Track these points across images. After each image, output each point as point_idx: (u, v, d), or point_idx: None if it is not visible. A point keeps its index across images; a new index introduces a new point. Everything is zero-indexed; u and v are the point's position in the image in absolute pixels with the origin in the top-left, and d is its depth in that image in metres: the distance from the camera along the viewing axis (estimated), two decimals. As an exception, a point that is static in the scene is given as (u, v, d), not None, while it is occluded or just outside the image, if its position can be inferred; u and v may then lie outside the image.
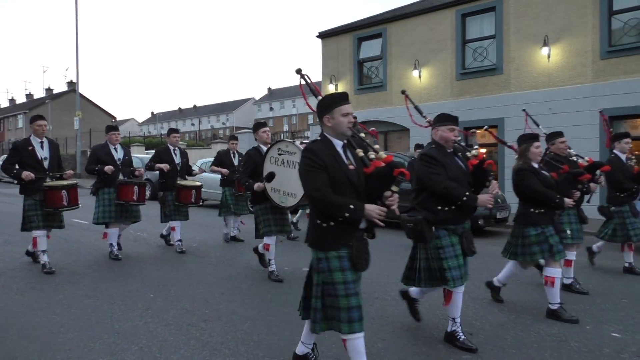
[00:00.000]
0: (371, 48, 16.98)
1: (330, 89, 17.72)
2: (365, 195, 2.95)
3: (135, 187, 6.83)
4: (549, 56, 12.76)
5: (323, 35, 18.24)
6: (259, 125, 6.18)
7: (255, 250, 6.38)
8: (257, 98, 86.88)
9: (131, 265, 6.66)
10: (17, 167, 6.00)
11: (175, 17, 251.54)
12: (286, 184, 5.29)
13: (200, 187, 7.68)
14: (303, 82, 3.82)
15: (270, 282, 5.86)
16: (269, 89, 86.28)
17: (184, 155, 7.70)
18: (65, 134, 36.81)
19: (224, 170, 8.40)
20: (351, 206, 2.75)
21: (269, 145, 5.60)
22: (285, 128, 73.60)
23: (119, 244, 7.31)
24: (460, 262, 3.81)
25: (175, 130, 7.76)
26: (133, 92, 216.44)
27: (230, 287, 5.59)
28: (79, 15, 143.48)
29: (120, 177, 6.86)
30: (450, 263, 3.78)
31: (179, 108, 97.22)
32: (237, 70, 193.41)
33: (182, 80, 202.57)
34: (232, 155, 8.75)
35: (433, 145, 4.02)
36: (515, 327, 4.35)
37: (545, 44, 12.73)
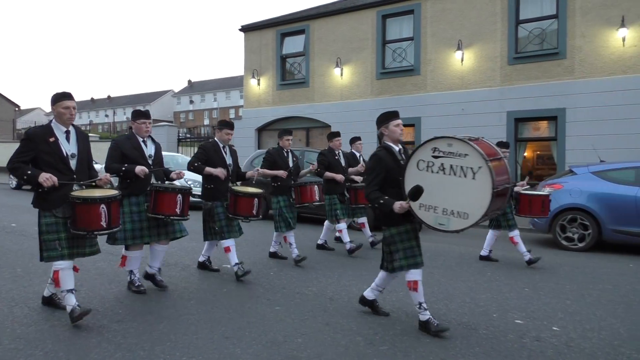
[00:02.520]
0: (294, 44, 17.00)
1: (252, 83, 17.55)
2: None
3: (179, 195, 4.93)
4: (462, 60, 13.43)
5: (246, 29, 18.00)
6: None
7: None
8: (176, 90, 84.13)
9: (36, 265, 6.21)
10: (30, 166, 4.03)
11: (90, 1, 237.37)
12: (451, 200, 3.82)
13: (262, 195, 5.91)
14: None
15: (188, 280, 5.70)
16: (189, 82, 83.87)
17: (234, 154, 6.03)
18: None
19: (281, 173, 6.62)
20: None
21: (417, 145, 4.07)
22: (207, 122, 71.94)
23: (159, 269, 5.42)
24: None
25: (228, 125, 5.90)
26: (40, 80, 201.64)
27: (146, 286, 5.37)
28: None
29: (153, 180, 5.07)
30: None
31: (92, 98, 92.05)
32: (155, 60, 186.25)
33: (95, 69, 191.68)
34: (286, 154, 6.89)
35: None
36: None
37: (459, 48, 13.38)
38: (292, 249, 6.68)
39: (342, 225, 7.50)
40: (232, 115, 62.00)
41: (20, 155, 4.01)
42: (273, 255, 7.06)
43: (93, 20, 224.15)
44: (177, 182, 5.62)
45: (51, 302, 4.52)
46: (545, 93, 12.30)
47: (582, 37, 11.90)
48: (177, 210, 4.93)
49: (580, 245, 8.11)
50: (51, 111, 4.18)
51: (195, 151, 5.74)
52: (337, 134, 7.83)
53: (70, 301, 4.05)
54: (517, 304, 5.04)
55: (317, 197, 6.88)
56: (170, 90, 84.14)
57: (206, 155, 5.75)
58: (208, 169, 5.67)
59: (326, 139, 7.69)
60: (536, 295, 5.44)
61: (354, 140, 8.18)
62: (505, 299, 5.23)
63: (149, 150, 5.09)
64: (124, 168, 4.86)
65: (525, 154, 13.16)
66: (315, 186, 6.91)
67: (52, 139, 4.05)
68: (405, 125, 13.71)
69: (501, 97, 12.88)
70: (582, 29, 11.90)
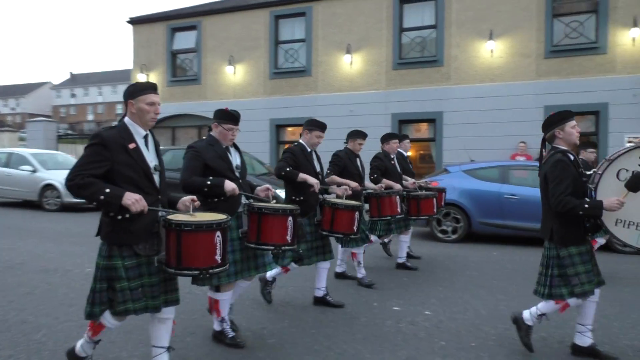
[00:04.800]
0: (186, 40, 16.60)
1: (141, 78, 16.85)
2: None
3: (290, 218, 3.88)
4: (350, 63, 14.03)
5: (135, 22, 17.23)
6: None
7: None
8: (55, 83, 77.79)
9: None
10: (106, 183, 2.84)
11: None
12: None
13: (361, 208, 5.05)
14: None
15: (68, 286, 5.44)
16: (71, 74, 77.98)
17: (320, 161, 5.09)
18: None
19: (354, 184, 5.41)
20: None
21: (617, 153, 3.54)
22: (90, 117, 67.51)
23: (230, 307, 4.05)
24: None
25: (320, 126, 4.94)
26: None
27: (21, 294, 5.04)
28: None
29: (244, 200, 3.94)
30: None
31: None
32: (32, 50, 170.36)
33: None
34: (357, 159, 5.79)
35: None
36: (315, 310, 4.80)
37: (347, 51, 13.96)
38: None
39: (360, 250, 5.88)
40: (119, 112, 58.73)
41: (90, 166, 2.79)
42: (342, 275, 6.16)
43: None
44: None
45: None
46: (425, 97, 13.27)
47: (457, 46, 13.00)
48: (289, 238, 3.87)
49: (453, 237, 8.92)
50: (129, 107, 3.00)
51: (283, 155, 4.83)
52: (397, 136, 6.77)
53: None
54: (395, 293, 5.47)
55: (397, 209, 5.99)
56: (48, 82, 77.61)
57: (295, 161, 4.75)
58: (303, 176, 4.64)
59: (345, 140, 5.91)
60: (413, 283, 5.93)
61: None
62: (385, 289, 5.64)
63: (235, 160, 3.94)
64: (208, 182, 3.64)
65: (410, 153, 14.05)
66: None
67: (132, 146, 2.91)
68: (296, 126, 13.98)
69: (386, 99, 13.66)
70: (457, 40, 13.00)
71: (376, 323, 4.46)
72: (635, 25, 11.29)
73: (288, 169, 4.63)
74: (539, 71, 12.25)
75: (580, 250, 3.54)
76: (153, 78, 16.66)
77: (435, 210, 6.68)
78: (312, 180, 4.62)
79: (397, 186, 6.24)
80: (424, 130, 13.86)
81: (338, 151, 5.70)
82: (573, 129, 3.57)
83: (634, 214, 3.39)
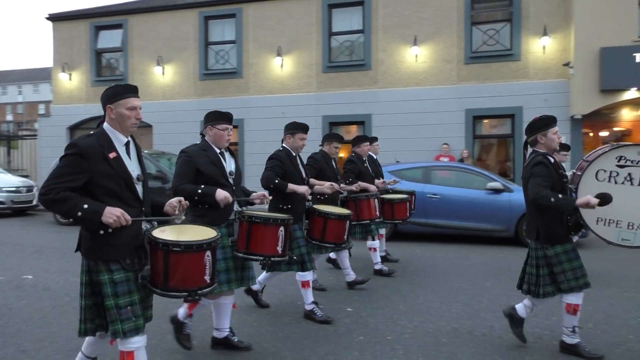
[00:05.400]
0: (111, 38, 16.06)
1: (63, 77, 16.13)
2: None
3: (281, 228, 3.77)
4: (282, 65, 14.14)
5: (54, 18, 16.44)
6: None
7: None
8: (-32, 80, 72.39)
9: None
10: (84, 197, 2.62)
11: None
12: (637, 213, 3.61)
13: (351, 217, 4.96)
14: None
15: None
16: (-14, 71, 72.89)
17: (303, 165, 4.95)
18: None
19: (364, 185, 5.81)
20: None
21: (595, 154, 3.74)
22: (9, 117, 63.47)
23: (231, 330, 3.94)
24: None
25: (302, 127, 4.75)
26: None
27: None
28: None
29: (236, 206, 3.81)
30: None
31: None
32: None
33: None
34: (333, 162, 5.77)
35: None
36: (239, 311, 4.86)
37: (278, 54, 14.06)
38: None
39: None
40: (41, 111, 55.66)
41: (66, 178, 2.55)
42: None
43: None
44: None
45: None
46: (354, 100, 13.60)
47: (384, 51, 13.44)
48: (279, 249, 3.75)
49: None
50: (108, 112, 2.74)
51: (269, 163, 4.63)
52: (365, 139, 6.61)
53: None
54: (320, 292, 5.61)
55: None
56: (-40, 80, 72.11)
57: (283, 169, 4.58)
58: (292, 187, 4.49)
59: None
60: (338, 281, 6.11)
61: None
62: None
63: (229, 165, 3.77)
64: (199, 191, 3.49)
65: (342, 155, 14.36)
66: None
67: (113, 155, 2.68)
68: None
69: (317, 102, 13.88)
70: (384, 45, 13.44)
71: (299, 321, 4.58)
72: (545, 34, 12.14)
73: (277, 180, 4.46)
74: (460, 76, 12.91)
75: (566, 249, 3.71)
76: (76, 77, 16.01)
77: (408, 214, 6.70)
78: (301, 189, 4.50)
79: (372, 187, 6.21)
80: (353, 132, 14.16)
81: (314, 154, 5.61)
82: (555, 135, 3.78)
83: (613, 213, 3.56)
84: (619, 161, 3.60)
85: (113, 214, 2.52)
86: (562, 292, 3.72)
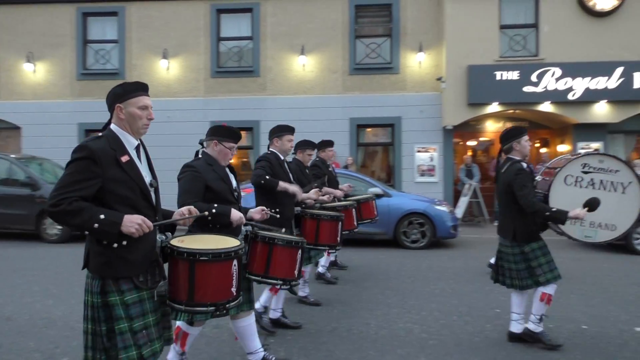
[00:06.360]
0: (-29, 30, 14.48)
1: None
2: None
3: (300, 251, 3.63)
4: (168, 68, 13.74)
5: None
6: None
7: None
8: None
9: None
10: (98, 207, 2.33)
11: None
12: (599, 213, 4.06)
13: (342, 218, 4.93)
14: None
15: None
16: None
17: (290, 170, 4.83)
18: None
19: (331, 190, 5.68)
20: None
21: (565, 161, 4.22)
22: None
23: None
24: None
25: (290, 129, 4.66)
26: None
27: None
28: None
29: (244, 228, 3.53)
30: None
31: None
32: None
33: None
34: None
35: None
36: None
37: (164, 56, 13.65)
38: None
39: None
40: None
41: (78, 186, 2.26)
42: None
43: None
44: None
45: None
46: (243, 106, 13.61)
47: (273, 59, 13.63)
48: (296, 272, 3.57)
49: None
50: (117, 111, 2.49)
51: (258, 163, 4.50)
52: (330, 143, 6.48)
53: None
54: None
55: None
56: None
57: (273, 170, 4.41)
58: (283, 184, 4.31)
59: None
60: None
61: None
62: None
63: (233, 181, 3.58)
64: (214, 211, 3.19)
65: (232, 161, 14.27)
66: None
67: (125, 159, 2.41)
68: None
69: (205, 107, 13.68)
70: (272, 52, 13.62)
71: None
72: (421, 50, 13.11)
73: (267, 177, 4.30)
74: (345, 86, 13.49)
75: (540, 245, 4.14)
76: None
77: (376, 212, 6.62)
78: (292, 188, 4.36)
79: (338, 192, 6.07)
80: (242, 138, 14.17)
81: (289, 163, 5.14)
82: (527, 142, 4.18)
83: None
84: (583, 168, 4.11)
85: (134, 222, 2.26)
86: (539, 285, 4.13)
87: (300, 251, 3.59)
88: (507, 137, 4.23)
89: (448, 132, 13.16)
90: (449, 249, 9.26)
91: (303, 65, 13.43)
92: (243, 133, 14.07)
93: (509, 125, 14.17)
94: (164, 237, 2.56)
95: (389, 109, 13.33)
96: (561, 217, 3.91)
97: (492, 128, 14.20)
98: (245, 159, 14.36)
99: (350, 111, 13.36)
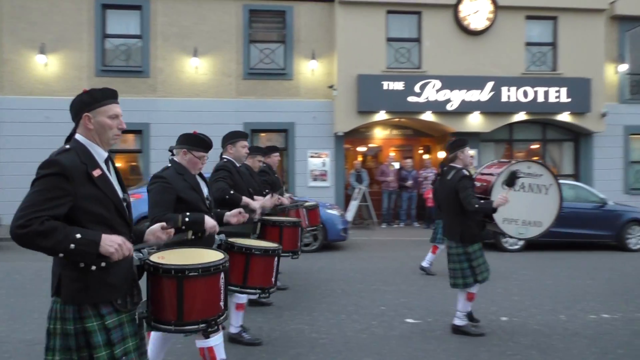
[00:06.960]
0: None
1: None
2: None
3: (276, 258, 3.71)
4: (46, 64, 12.74)
5: None
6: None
7: None
8: None
9: None
10: (72, 226, 2.03)
11: None
12: (529, 212, 4.67)
13: (297, 223, 5.08)
14: None
15: None
16: None
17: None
18: None
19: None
20: None
21: (500, 168, 4.76)
22: None
23: None
24: None
25: (243, 135, 4.70)
26: None
27: None
28: None
29: (217, 237, 3.39)
30: None
31: None
32: None
33: None
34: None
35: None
36: None
37: (42, 51, 12.63)
38: None
39: None
40: None
41: (49, 204, 2.00)
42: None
43: None
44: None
45: None
46: (132, 107, 12.90)
47: (164, 59, 13.18)
48: (273, 280, 3.60)
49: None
50: (85, 121, 2.24)
51: (216, 173, 4.35)
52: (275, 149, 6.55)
53: None
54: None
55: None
56: None
57: (232, 180, 4.33)
58: (246, 200, 4.29)
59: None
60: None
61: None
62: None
63: (205, 190, 3.45)
64: (187, 219, 3.10)
65: (119, 164, 13.56)
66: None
67: (97, 173, 2.17)
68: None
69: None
70: (163, 53, 13.18)
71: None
72: (313, 57, 13.47)
73: (232, 192, 4.21)
74: (239, 90, 13.45)
75: (480, 247, 4.65)
76: None
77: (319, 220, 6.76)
78: (254, 204, 4.32)
79: (284, 200, 5.87)
80: (130, 141, 13.56)
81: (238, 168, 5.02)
82: (468, 152, 4.76)
83: (513, 213, 4.58)
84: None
85: (114, 242, 2.06)
86: (478, 282, 4.63)
87: (277, 258, 3.64)
88: (454, 147, 4.77)
89: (339, 138, 13.64)
90: (340, 251, 9.61)
91: (196, 68, 13.17)
92: (131, 136, 13.49)
93: (397, 132, 15.04)
94: (140, 254, 2.40)
95: (283, 115, 13.51)
96: (488, 205, 4.38)
97: (380, 135, 14.96)
98: (134, 163, 13.74)
99: (244, 115, 13.32)
